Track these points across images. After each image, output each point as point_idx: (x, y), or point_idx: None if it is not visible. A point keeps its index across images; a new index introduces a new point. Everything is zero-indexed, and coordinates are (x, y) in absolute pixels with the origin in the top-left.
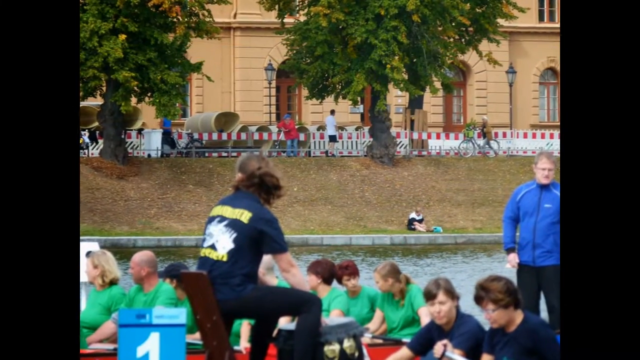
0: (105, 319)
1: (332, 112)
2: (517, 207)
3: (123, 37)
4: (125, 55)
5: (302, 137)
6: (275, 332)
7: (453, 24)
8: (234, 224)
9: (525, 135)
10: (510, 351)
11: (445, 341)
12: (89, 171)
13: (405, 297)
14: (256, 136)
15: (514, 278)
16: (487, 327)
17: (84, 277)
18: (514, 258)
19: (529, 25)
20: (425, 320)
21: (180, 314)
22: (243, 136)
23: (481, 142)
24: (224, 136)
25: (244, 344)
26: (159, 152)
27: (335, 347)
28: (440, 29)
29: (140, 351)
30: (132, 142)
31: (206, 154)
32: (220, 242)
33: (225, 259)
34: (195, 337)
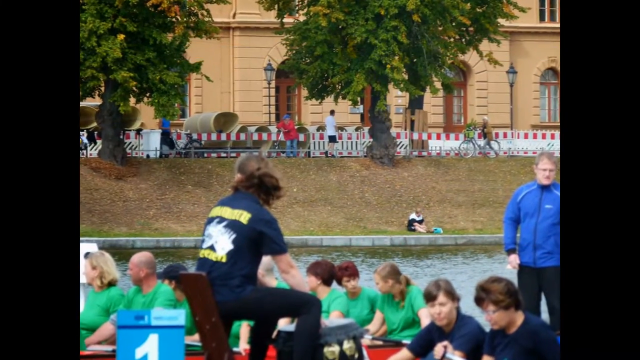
0: (104, 321)
1: (332, 112)
2: (517, 208)
3: (122, 37)
4: (124, 55)
5: (301, 137)
6: (274, 334)
7: (453, 23)
8: (233, 225)
9: (526, 136)
10: (510, 353)
11: (445, 343)
12: (87, 172)
13: (405, 298)
14: (255, 136)
15: (514, 279)
16: (487, 329)
17: (82, 279)
18: (514, 259)
19: (529, 25)
20: (425, 321)
21: (179, 316)
22: (242, 136)
23: (482, 142)
24: (223, 137)
25: (243, 346)
26: (158, 153)
27: (335, 348)
28: (440, 28)
29: (139, 353)
30: (130, 143)
31: (205, 155)
32: (220, 243)
33: (224, 260)
34: (194, 339)
